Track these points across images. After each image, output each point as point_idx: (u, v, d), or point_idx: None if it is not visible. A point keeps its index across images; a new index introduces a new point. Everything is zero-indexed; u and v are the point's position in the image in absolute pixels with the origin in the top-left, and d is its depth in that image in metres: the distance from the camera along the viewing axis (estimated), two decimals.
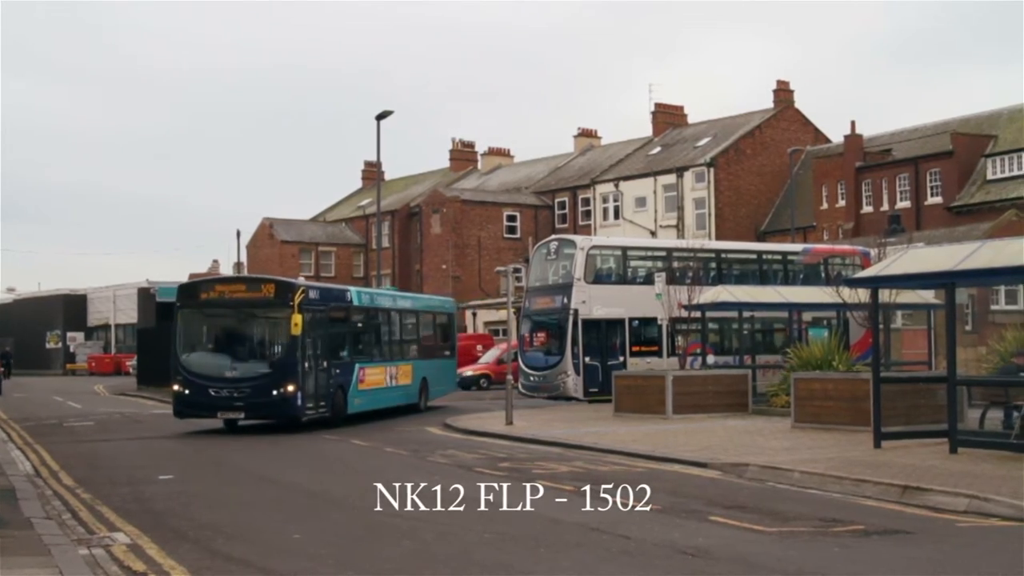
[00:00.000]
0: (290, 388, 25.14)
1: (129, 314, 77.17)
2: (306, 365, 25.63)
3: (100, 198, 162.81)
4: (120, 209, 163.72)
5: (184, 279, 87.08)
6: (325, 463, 20.04)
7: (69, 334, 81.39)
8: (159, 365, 47.97)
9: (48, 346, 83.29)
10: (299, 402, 25.29)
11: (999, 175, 52.49)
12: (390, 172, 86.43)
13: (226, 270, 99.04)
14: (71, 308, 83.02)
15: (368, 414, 29.05)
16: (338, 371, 27.31)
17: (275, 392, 25.06)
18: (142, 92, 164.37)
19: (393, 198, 78.91)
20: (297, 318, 25.12)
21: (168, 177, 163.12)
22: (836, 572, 9.98)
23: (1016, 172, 51.01)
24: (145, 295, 74.19)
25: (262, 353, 26.48)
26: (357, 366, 28.48)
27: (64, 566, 10.18)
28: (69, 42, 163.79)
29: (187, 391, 25.63)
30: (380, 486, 16.69)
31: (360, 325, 30.02)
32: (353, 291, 30.50)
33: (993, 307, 43.53)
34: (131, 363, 62.93)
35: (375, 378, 29.78)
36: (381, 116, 41.76)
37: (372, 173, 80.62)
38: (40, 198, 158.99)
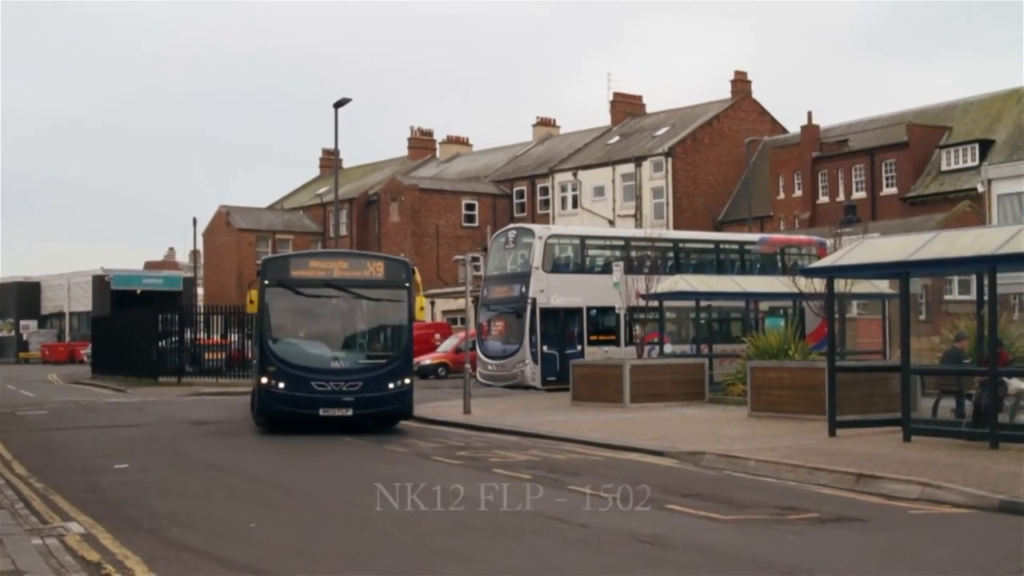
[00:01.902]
0: (407, 381, 22.52)
1: (83, 302, 76.56)
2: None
3: (52, 185, 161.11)
4: (74, 196, 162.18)
5: (139, 267, 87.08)
6: (282, 453, 19.95)
7: (22, 322, 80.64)
8: (114, 353, 47.96)
9: (1, 334, 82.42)
10: (413, 397, 22.87)
11: (953, 166, 52.99)
12: (348, 160, 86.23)
13: (182, 258, 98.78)
14: (24, 296, 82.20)
15: None
16: None
17: (391, 385, 22.18)
18: (93, 78, 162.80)
19: (351, 186, 78.62)
20: (421, 300, 23.06)
21: (123, 164, 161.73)
22: (791, 559, 10.06)
23: (970, 163, 51.50)
24: (100, 283, 73.70)
25: (372, 341, 23.39)
26: None
27: (17, 556, 10.08)
28: (14, 26, 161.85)
29: (282, 385, 21.80)
30: (336, 474, 16.71)
31: None
32: None
33: (946, 297, 44.02)
34: (85, 351, 62.44)
35: None
36: (339, 104, 41.51)
37: (330, 161, 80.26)
38: None
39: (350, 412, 21.90)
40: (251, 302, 21.90)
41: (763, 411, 23.04)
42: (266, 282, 22.32)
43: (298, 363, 21.97)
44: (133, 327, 46.49)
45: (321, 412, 21.81)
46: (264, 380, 21.95)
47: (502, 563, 10.17)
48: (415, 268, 23.84)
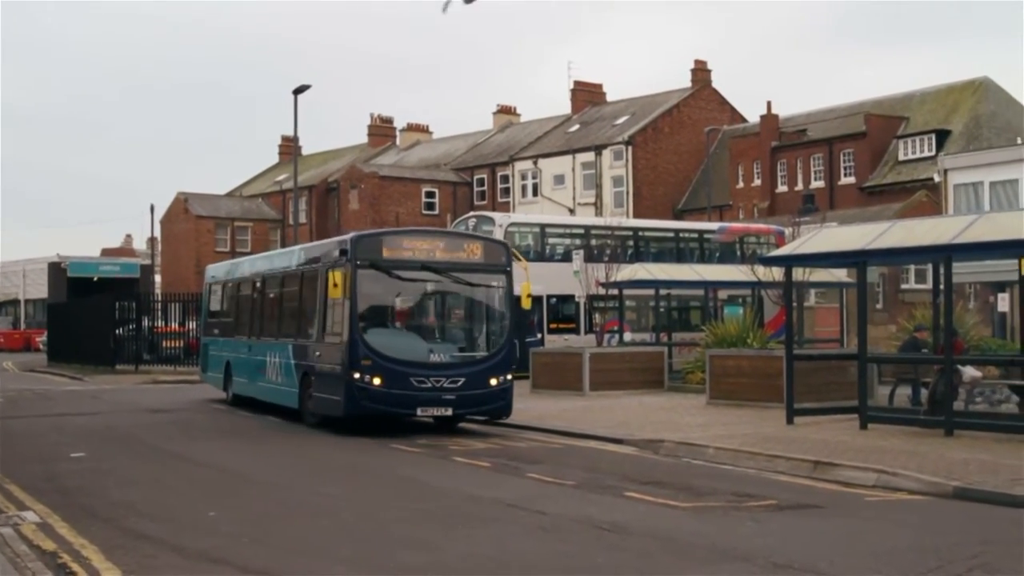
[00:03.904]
0: (508, 377, 20.24)
1: (39, 289, 75.70)
2: None
3: (6, 171, 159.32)
4: (29, 182, 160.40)
5: (96, 254, 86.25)
6: (242, 440, 19.86)
7: None
8: (70, 341, 47.52)
9: None
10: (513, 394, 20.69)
11: (910, 156, 53.41)
12: (308, 147, 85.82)
13: (139, 245, 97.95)
14: None
15: None
16: None
17: (493, 382, 19.93)
18: (50, 62, 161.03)
19: (311, 173, 78.26)
20: (527, 286, 21.27)
21: (79, 150, 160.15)
22: (749, 545, 10.12)
23: (927, 153, 51.92)
24: (56, 270, 72.90)
25: (472, 331, 21.04)
26: None
27: None
28: None
29: (377, 381, 19.17)
30: (297, 463, 16.66)
31: None
32: None
33: (903, 286, 44.44)
34: (41, 339, 61.79)
35: None
36: (299, 90, 41.26)
37: (289, 148, 79.84)
38: None
39: (450, 412, 19.69)
40: (335, 285, 19.15)
41: (722, 399, 23.17)
42: (358, 262, 19.46)
43: (395, 356, 19.39)
44: (90, 315, 46.10)
45: (419, 412, 19.57)
46: (356, 375, 19.12)
47: (462, 550, 10.17)
48: (515, 251, 21.80)
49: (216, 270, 31.04)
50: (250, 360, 25.21)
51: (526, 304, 21.43)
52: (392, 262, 19.82)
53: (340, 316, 19.62)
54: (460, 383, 19.50)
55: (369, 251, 19.76)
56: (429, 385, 19.28)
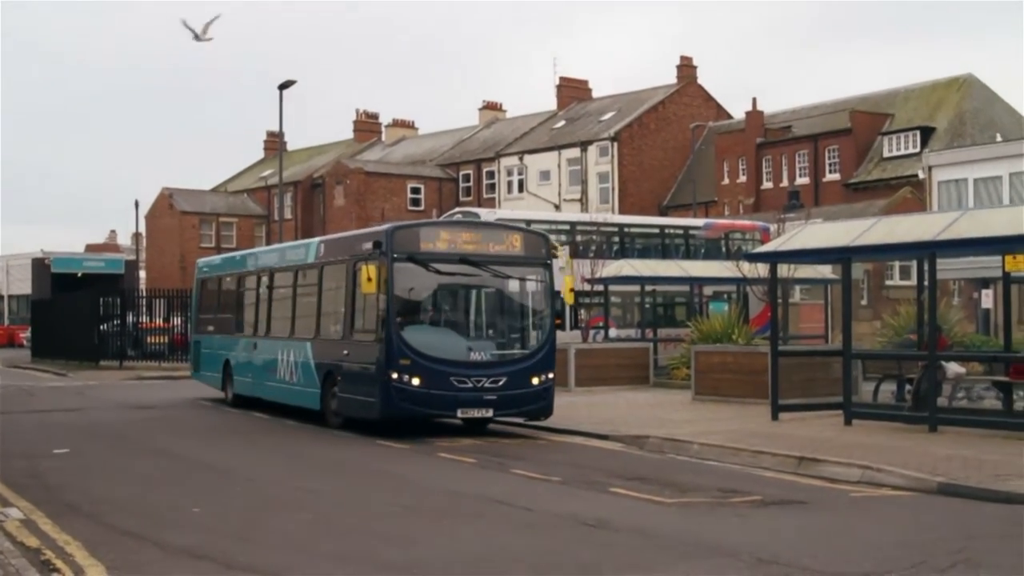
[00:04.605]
0: (550, 376, 19.22)
1: (23, 285, 75.31)
2: None
3: None
4: (13, 178, 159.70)
5: (80, 250, 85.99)
6: (225, 436, 19.82)
7: None
8: (54, 337, 47.35)
9: None
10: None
11: (895, 153, 53.57)
12: (293, 143, 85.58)
13: (124, 241, 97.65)
14: None
15: None
16: None
17: (535, 381, 18.88)
18: (32, 57, 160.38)
19: (296, 169, 78.10)
20: (570, 280, 20.44)
21: (64, 145, 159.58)
22: (734, 541, 10.13)
23: (911, 150, 52.06)
24: (40, 265, 72.51)
25: (513, 328, 20.02)
26: None
27: None
28: None
29: (417, 381, 18.16)
30: (281, 458, 16.63)
31: None
32: None
33: (888, 282, 44.60)
34: (25, 335, 61.55)
35: None
36: (284, 86, 41.13)
37: (274, 143, 79.68)
38: None
39: (490, 413, 18.69)
40: (368, 280, 17.91)
41: (707, 395, 23.20)
42: (395, 255, 18.41)
43: (435, 355, 18.38)
44: (74, 310, 45.92)
45: (460, 414, 18.60)
46: (394, 375, 18.08)
47: (447, 546, 10.16)
48: (555, 243, 20.90)
49: (209, 264, 29.88)
50: (256, 359, 24.22)
51: (569, 299, 20.61)
52: (430, 255, 18.78)
53: (374, 313, 18.64)
54: (501, 382, 18.52)
55: (406, 244, 18.73)
56: (470, 385, 18.32)
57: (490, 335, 19.71)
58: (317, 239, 23.42)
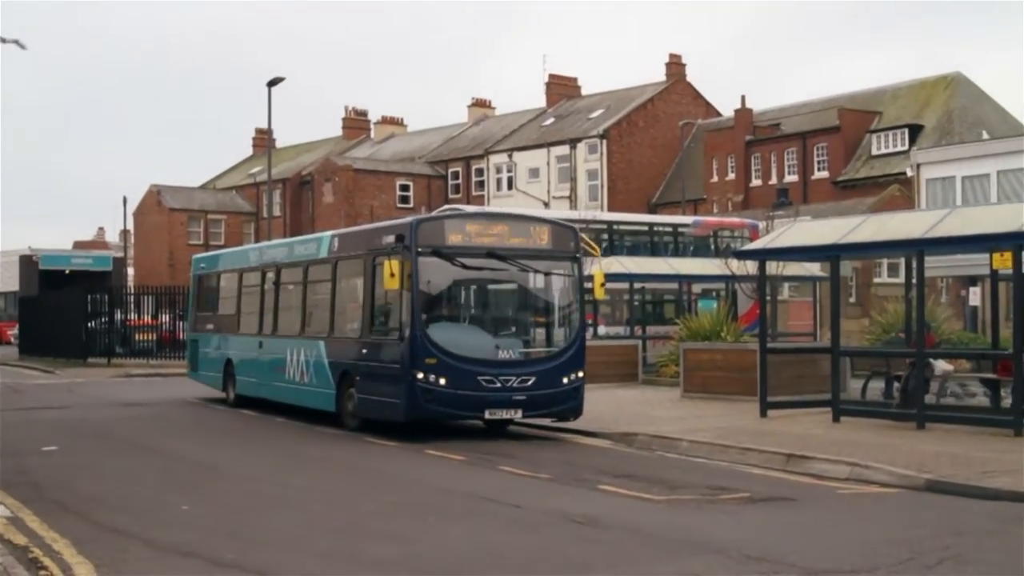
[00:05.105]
0: (580, 374, 18.38)
1: (10, 282, 75.07)
2: None
3: None
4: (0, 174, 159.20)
5: (68, 246, 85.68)
6: (214, 434, 19.80)
7: None
8: (42, 334, 47.20)
9: None
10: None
11: (883, 151, 53.68)
12: (282, 140, 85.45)
13: (112, 238, 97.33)
14: None
15: None
16: None
17: (565, 380, 18.05)
18: (19, 54, 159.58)
19: (285, 166, 77.97)
20: (600, 275, 19.44)
21: (52, 142, 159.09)
22: (723, 538, 10.14)
23: (900, 148, 52.18)
24: (27, 262, 72.26)
25: (541, 325, 19.14)
26: None
27: None
28: None
29: (443, 381, 17.32)
30: (270, 456, 16.61)
31: None
32: None
33: (876, 280, 44.70)
34: (13, 332, 61.37)
35: None
36: (272, 83, 41.07)
37: (263, 140, 79.50)
38: None
39: (519, 414, 17.90)
40: (391, 275, 17.00)
41: (696, 392, 23.23)
42: (419, 249, 17.54)
43: (462, 353, 17.55)
44: (62, 307, 45.77)
45: (487, 415, 17.87)
46: (419, 375, 17.25)
47: (436, 544, 10.16)
48: (583, 235, 19.92)
49: (207, 260, 28.93)
50: (262, 358, 23.31)
51: (599, 294, 19.68)
52: (456, 249, 17.90)
53: (396, 309, 17.95)
54: (531, 382, 17.70)
55: (431, 237, 17.81)
56: (498, 385, 17.51)
57: (518, 332, 18.97)
58: (329, 233, 22.32)
